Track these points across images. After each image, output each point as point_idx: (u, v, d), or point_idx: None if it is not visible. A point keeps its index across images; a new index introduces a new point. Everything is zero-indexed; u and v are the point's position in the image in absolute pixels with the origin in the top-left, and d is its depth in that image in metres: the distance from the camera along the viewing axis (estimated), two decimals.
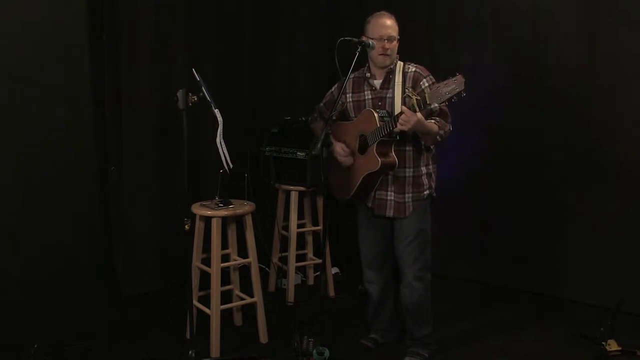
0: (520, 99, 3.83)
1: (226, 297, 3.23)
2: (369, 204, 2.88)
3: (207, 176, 3.77)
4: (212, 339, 2.96)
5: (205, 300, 3.08)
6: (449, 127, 2.72)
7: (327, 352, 2.49)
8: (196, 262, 3.16)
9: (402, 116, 2.50)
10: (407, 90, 2.63)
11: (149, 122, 3.77)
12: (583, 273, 3.66)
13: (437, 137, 2.68)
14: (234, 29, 4.24)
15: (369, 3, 4.04)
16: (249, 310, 3.29)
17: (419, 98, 2.48)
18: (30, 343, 2.83)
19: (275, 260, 4.02)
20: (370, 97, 2.84)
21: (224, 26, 4.16)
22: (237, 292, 3.33)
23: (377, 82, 2.83)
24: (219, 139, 2.76)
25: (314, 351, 2.53)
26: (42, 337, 2.89)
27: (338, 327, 3.23)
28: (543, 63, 3.71)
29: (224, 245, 3.16)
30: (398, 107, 2.70)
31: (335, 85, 3.02)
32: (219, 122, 2.72)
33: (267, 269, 4.06)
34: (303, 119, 3.73)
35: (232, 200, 3.18)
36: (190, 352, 2.66)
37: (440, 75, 2.45)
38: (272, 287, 4.01)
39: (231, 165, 2.83)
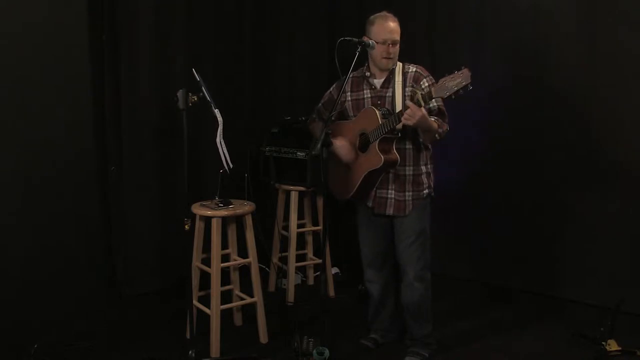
0: (520, 99, 3.83)
1: (226, 297, 3.23)
2: (369, 203, 2.89)
3: (207, 176, 3.77)
4: (212, 339, 2.96)
5: (205, 300, 3.08)
6: (446, 126, 2.74)
7: (327, 352, 2.48)
8: (196, 262, 3.16)
9: (408, 110, 2.51)
10: (412, 86, 2.64)
11: (149, 122, 3.77)
12: (583, 273, 3.66)
13: (436, 135, 2.70)
14: (234, 29, 4.24)
15: (369, 3, 4.05)
16: (249, 310, 3.29)
17: (423, 93, 2.49)
18: (30, 343, 2.83)
19: (275, 260, 4.02)
20: (369, 95, 2.84)
21: (224, 26, 4.16)
22: (237, 292, 3.33)
23: (378, 82, 2.83)
24: (219, 139, 2.76)
25: (314, 351, 2.53)
26: (42, 337, 2.89)
27: (338, 327, 3.23)
28: (543, 63, 3.71)
29: (224, 245, 3.16)
30: (399, 106, 2.72)
31: (334, 86, 3.02)
32: (219, 122, 2.72)
33: (267, 269, 4.06)
34: (303, 119, 3.73)
35: (232, 200, 3.18)
36: (190, 352, 2.66)
37: (440, 75, 2.45)
38: (272, 287, 4.01)
39: (231, 165, 2.83)
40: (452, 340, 3.15)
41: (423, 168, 2.84)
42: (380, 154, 2.67)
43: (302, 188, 3.76)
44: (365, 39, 2.71)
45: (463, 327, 3.34)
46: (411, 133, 2.75)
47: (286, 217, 3.88)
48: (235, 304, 3.28)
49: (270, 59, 4.48)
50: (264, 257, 3.83)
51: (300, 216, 3.91)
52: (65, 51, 3.28)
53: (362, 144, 2.80)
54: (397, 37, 2.74)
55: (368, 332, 3.15)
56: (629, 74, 3.42)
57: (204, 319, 3.00)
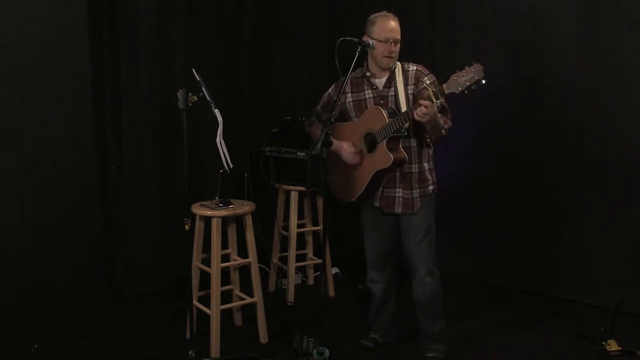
0: (520, 99, 3.83)
1: (226, 297, 3.23)
2: (376, 204, 2.89)
3: (207, 176, 3.77)
4: (212, 339, 2.96)
5: (205, 300, 3.08)
6: (449, 123, 2.77)
7: (327, 352, 2.48)
8: (196, 262, 3.16)
9: (422, 108, 2.51)
10: (422, 82, 2.65)
11: (149, 122, 3.77)
12: (583, 273, 3.66)
13: (443, 131, 2.73)
14: (234, 29, 4.24)
15: (369, 3, 4.04)
16: (249, 310, 3.29)
17: (435, 90, 2.49)
18: (30, 343, 2.83)
19: (275, 260, 4.02)
20: (371, 95, 2.84)
21: (224, 26, 4.16)
22: (237, 292, 3.33)
23: (379, 81, 2.83)
24: (219, 139, 2.76)
25: (314, 351, 2.52)
26: (42, 337, 2.89)
27: (338, 327, 3.23)
28: (543, 63, 3.71)
29: (224, 245, 3.16)
30: (403, 104, 2.73)
31: (332, 87, 3.02)
32: (219, 122, 2.72)
33: (267, 269, 4.06)
34: (303, 119, 3.73)
35: (232, 200, 3.18)
36: (190, 352, 2.66)
37: (440, 75, 2.45)
38: (272, 287, 4.01)
39: (231, 165, 2.83)
40: (452, 339, 3.14)
41: (426, 165, 2.86)
42: (389, 153, 2.67)
43: (302, 188, 3.76)
44: (365, 38, 2.72)
45: (463, 327, 3.33)
46: (416, 131, 2.77)
47: (286, 217, 3.88)
48: (235, 304, 3.28)
49: (270, 59, 4.48)
50: (264, 257, 3.83)
51: (300, 216, 3.91)
52: (65, 51, 3.28)
53: (369, 144, 2.79)
54: (399, 35, 2.74)
55: (368, 332, 3.15)
56: (629, 74, 3.41)
57: (204, 319, 3.00)
